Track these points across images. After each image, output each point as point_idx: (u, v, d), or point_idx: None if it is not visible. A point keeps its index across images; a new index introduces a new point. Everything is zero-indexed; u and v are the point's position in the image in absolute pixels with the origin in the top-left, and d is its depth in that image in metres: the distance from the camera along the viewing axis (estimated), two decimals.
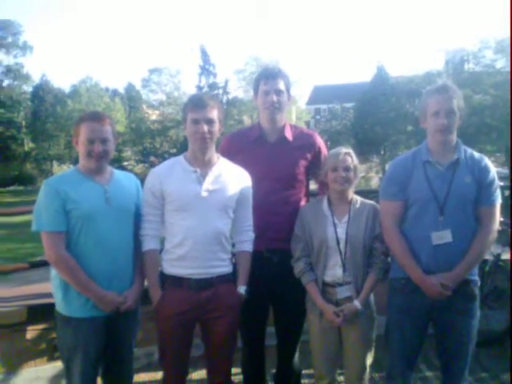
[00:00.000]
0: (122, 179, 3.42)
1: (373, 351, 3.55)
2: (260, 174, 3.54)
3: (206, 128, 3.22)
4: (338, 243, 3.42)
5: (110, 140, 3.24)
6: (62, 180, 3.22)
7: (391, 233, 3.34)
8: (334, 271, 3.44)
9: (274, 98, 3.62)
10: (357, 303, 3.40)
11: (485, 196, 3.25)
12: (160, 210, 3.33)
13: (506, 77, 32.08)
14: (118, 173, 3.45)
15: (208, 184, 3.26)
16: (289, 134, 3.75)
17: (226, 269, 3.36)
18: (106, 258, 3.18)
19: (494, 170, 3.32)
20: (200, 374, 4.48)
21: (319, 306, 3.46)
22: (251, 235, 3.50)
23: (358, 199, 3.56)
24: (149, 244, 3.33)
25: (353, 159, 3.49)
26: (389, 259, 3.50)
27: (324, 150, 3.84)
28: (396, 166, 3.48)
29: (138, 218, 3.37)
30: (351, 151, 3.54)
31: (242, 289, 3.39)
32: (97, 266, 3.15)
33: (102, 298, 3.14)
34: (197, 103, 3.27)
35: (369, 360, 3.53)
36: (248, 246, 3.48)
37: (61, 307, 3.21)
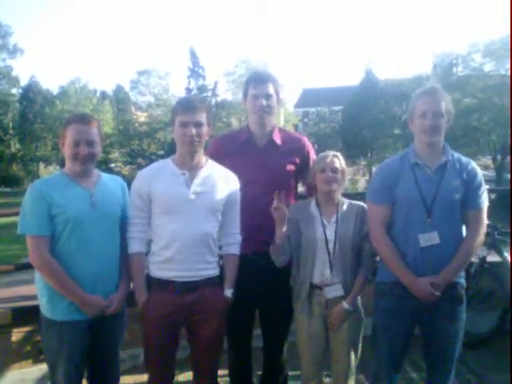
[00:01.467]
0: (108, 182, 3.40)
1: (359, 352, 3.56)
2: (248, 178, 3.54)
3: (194, 131, 3.21)
4: (327, 243, 3.43)
5: (96, 142, 3.23)
6: (47, 184, 3.20)
7: (378, 236, 3.35)
8: (322, 271, 3.44)
9: (264, 102, 3.63)
10: (345, 304, 3.41)
11: (472, 199, 3.27)
12: (147, 212, 3.32)
13: (494, 80, 32.31)
14: (104, 176, 3.43)
15: (196, 186, 3.26)
16: (278, 138, 3.75)
17: (213, 271, 3.35)
18: (92, 262, 3.16)
19: (481, 174, 3.35)
20: (186, 375, 4.46)
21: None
22: (238, 238, 3.49)
23: (345, 201, 3.57)
24: (135, 246, 3.32)
25: (340, 162, 3.52)
26: (377, 259, 3.52)
27: (312, 154, 3.86)
28: (384, 170, 3.50)
29: (124, 221, 3.36)
30: (339, 154, 3.57)
31: (228, 292, 3.39)
32: (82, 269, 3.14)
33: (86, 302, 3.13)
34: (186, 106, 3.26)
35: (355, 361, 3.54)
36: (235, 249, 3.48)
37: (45, 310, 3.20)
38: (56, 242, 3.12)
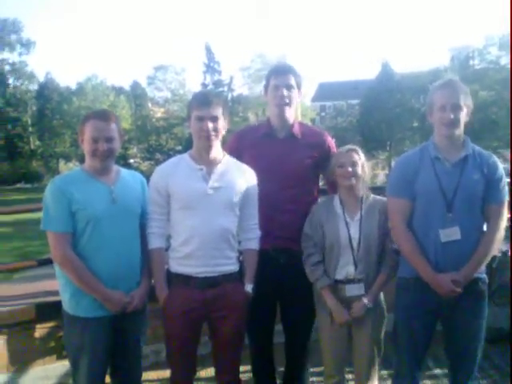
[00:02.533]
0: (128, 178, 3.41)
1: (382, 349, 3.55)
2: (267, 171, 3.52)
3: (210, 125, 3.20)
4: (351, 241, 3.42)
5: (115, 138, 3.23)
6: (67, 180, 3.21)
7: (399, 231, 3.33)
8: (346, 269, 3.43)
9: (285, 92, 3.60)
10: (366, 301, 3.40)
11: (493, 194, 3.24)
12: (165, 207, 3.33)
13: (510, 73, 32.02)
14: (123, 172, 3.43)
15: (213, 182, 3.25)
16: (297, 131, 3.72)
17: (233, 267, 3.35)
18: (112, 259, 3.17)
19: (501, 168, 3.31)
20: (208, 372, 4.47)
21: (331, 308, 3.45)
22: (257, 233, 3.48)
23: (370, 196, 3.55)
24: (155, 242, 3.33)
25: (359, 155, 3.48)
26: (396, 258, 3.49)
27: (334, 149, 3.81)
28: (403, 163, 3.47)
29: (144, 216, 3.38)
30: (358, 148, 3.54)
31: (249, 287, 3.38)
32: (103, 266, 3.15)
33: (109, 298, 3.14)
34: (201, 100, 3.25)
35: (378, 358, 3.53)
36: (254, 244, 3.47)
37: (68, 307, 3.22)
38: (78, 239, 3.13)
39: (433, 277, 3.19)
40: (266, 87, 3.75)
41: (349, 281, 3.43)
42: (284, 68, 3.74)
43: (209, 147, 3.27)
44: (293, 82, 3.64)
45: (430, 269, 3.20)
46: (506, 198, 3.28)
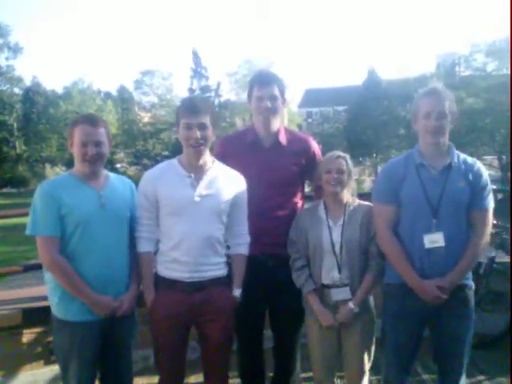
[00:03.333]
0: (117, 183, 3.41)
1: (372, 355, 3.56)
2: (254, 179, 3.53)
3: (198, 133, 3.20)
4: (333, 246, 3.43)
5: (103, 143, 3.23)
6: (56, 184, 3.21)
7: (385, 237, 3.34)
8: (331, 274, 3.44)
9: (268, 104, 3.60)
10: (352, 305, 3.41)
11: (478, 200, 3.26)
12: (154, 212, 3.33)
13: (497, 80, 32.23)
14: (112, 176, 3.43)
15: (201, 189, 3.26)
16: (283, 139, 3.73)
17: (220, 272, 3.36)
18: (101, 263, 3.17)
19: (486, 174, 3.34)
20: (197, 377, 4.45)
21: (317, 312, 3.47)
22: (247, 238, 3.49)
23: (354, 201, 3.56)
24: (143, 246, 3.34)
25: (347, 163, 3.50)
26: (384, 260, 3.51)
27: (319, 154, 3.84)
28: (388, 170, 3.49)
29: (133, 220, 3.38)
30: (346, 155, 3.55)
31: (237, 292, 3.40)
32: (92, 271, 3.15)
33: (97, 302, 3.14)
34: (189, 108, 3.25)
35: (368, 363, 3.54)
36: (244, 249, 3.48)
37: (56, 311, 3.21)
38: (66, 242, 3.14)
39: (418, 283, 3.21)
40: (250, 96, 3.74)
41: (335, 285, 3.45)
42: (267, 78, 3.71)
43: (197, 155, 3.27)
44: (276, 92, 3.63)
45: (415, 275, 3.22)
46: (491, 205, 3.31)
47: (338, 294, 3.44)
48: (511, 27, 8.78)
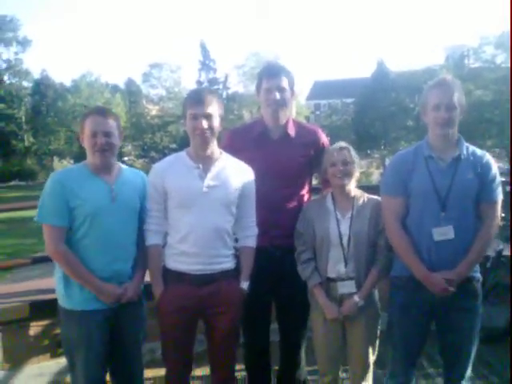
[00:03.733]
0: (130, 176, 3.42)
1: (376, 348, 3.56)
2: (263, 171, 3.52)
3: (205, 123, 3.20)
4: (341, 239, 3.42)
5: (113, 134, 3.24)
6: (68, 175, 3.23)
7: (393, 230, 3.33)
8: (337, 267, 3.44)
9: (277, 95, 3.58)
10: (357, 298, 3.41)
11: (486, 192, 3.24)
12: (162, 204, 3.34)
13: (506, 72, 32.06)
14: (125, 169, 3.44)
15: (209, 180, 3.26)
16: (292, 131, 3.72)
17: (229, 264, 3.36)
18: (108, 255, 3.20)
19: (495, 167, 3.31)
20: (204, 370, 4.46)
21: (322, 305, 3.47)
22: (255, 230, 3.49)
23: (362, 195, 3.55)
24: (152, 239, 3.34)
25: (351, 153, 3.48)
26: (392, 254, 3.50)
27: (328, 146, 3.81)
28: (397, 162, 3.48)
29: (143, 212, 3.39)
30: (349, 146, 3.53)
31: (244, 284, 3.40)
32: (98, 262, 3.18)
33: (102, 290, 3.17)
34: (195, 98, 3.25)
35: (373, 357, 3.54)
36: (252, 242, 3.48)
37: (63, 301, 3.24)
38: (74, 233, 3.16)
39: (425, 275, 3.20)
40: (259, 88, 3.72)
41: (340, 278, 3.44)
42: (276, 69, 3.70)
43: (204, 145, 3.26)
44: (285, 83, 3.62)
45: (422, 267, 3.21)
46: (500, 197, 3.29)
47: (344, 288, 3.43)
48: (511, 24, 8.74)
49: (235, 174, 3.36)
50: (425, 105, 3.31)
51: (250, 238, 3.49)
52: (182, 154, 3.39)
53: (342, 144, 3.52)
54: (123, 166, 3.45)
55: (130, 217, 3.32)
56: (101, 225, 3.16)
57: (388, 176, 3.50)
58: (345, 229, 3.44)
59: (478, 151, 3.34)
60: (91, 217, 3.13)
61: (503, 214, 5.43)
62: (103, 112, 3.26)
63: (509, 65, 34.41)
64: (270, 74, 3.66)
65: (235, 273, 3.42)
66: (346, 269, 3.43)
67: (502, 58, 36.12)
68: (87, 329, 3.17)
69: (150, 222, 3.36)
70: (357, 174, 3.56)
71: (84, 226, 3.15)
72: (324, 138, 3.86)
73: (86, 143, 3.22)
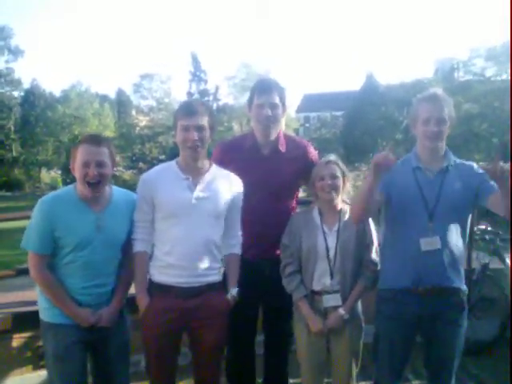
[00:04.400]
0: (120, 202, 3.34)
1: (360, 361, 3.55)
2: (252, 186, 3.52)
3: (196, 135, 3.19)
4: (328, 252, 3.42)
5: (106, 163, 3.16)
6: (56, 202, 3.18)
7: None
8: (323, 280, 3.44)
9: (269, 112, 3.59)
10: (342, 311, 3.41)
11: (486, 187, 3.20)
12: (150, 214, 3.32)
13: (496, 85, 32.25)
14: (116, 193, 3.36)
15: (199, 191, 3.25)
16: (282, 146, 3.74)
17: (216, 277, 3.35)
18: (89, 282, 3.20)
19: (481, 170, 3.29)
20: (187, 383, 4.43)
21: (307, 318, 3.47)
22: (239, 238, 3.50)
23: (348, 208, 3.54)
24: (139, 246, 3.32)
25: (340, 168, 3.49)
26: (378, 268, 3.50)
27: (316, 160, 3.83)
28: None
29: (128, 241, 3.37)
30: (338, 159, 3.53)
31: (233, 291, 3.39)
32: (79, 286, 3.19)
33: (76, 315, 3.16)
34: (187, 110, 3.25)
35: (355, 369, 3.54)
36: (237, 249, 3.49)
37: (44, 314, 3.24)
38: (60, 259, 3.17)
39: None
40: (250, 104, 3.72)
41: (326, 292, 3.44)
42: (268, 86, 3.70)
43: (195, 157, 3.26)
44: (277, 100, 3.63)
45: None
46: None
47: (329, 301, 3.43)
48: (511, 33, 8.75)
49: (225, 185, 3.36)
50: (415, 118, 3.31)
51: (236, 246, 3.49)
52: (172, 164, 3.38)
53: (331, 158, 3.52)
54: (115, 189, 3.38)
55: (114, 249, 3.29)
56: (83, 256, 3.16)
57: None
58: (331, 242, 3.45)
59: (466, 162, 3.37)
60: (75, 247, 3.13)
61: (489, 228, 5.48)
62: (97, 140, 3.18)
63: (499, 78, 34.72)
64: (262, 90, 3.66)
65: (222, 285, 3.40)
66: (332, 281, 3.43)
67: (492, 71, 36.37)
68: (64, 342, 3.16)
69: (137, 231, 3.33)
70: (347, 187, 3.56)
71: (69, 255, 3.15)
72: (313, 152, 3.88)
73: (77, 173, 3.14)
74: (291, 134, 4.25)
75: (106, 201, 3.28)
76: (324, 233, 3.47)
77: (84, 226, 3.16)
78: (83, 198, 3.19)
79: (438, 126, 3.20)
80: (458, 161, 3.36)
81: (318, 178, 3.46)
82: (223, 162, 3.59)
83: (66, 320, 3.17)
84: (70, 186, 3.31)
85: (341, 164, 3.51)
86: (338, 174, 3.46)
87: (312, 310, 3.46)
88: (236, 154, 3.72)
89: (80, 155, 3.12)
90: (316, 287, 3.46)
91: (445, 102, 3.24)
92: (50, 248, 3.14)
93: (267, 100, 3.60)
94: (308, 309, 3.47)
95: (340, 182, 3.46)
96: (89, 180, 3.10)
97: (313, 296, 3.47)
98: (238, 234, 3.50)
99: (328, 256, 3.43)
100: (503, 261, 5.37)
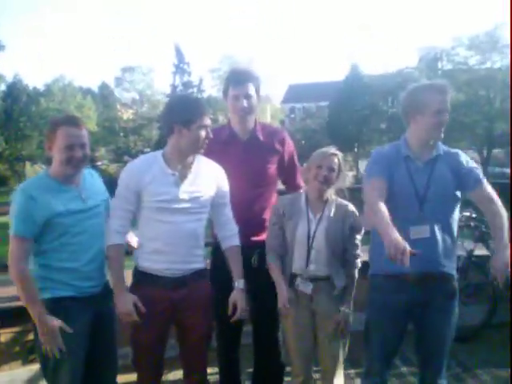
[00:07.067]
0: (87, 175, 3.36)
1: (347, 347, 3.57)
2: (232, 173, 3.53)
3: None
4: (309, 239, 3.44)
5: (87, 144, 3.18)
6: (37, 187, 3.13)
7: (375, 203, 3.13)
8: (302, 264, 3.45)
9: (245, 103, 3.64)
10: (345, 309, 3.46)
11: (470, 178, 3.25)
12: (133, 205, 3.26)
13: (478, 74, 32.47)
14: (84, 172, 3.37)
15: (186, 186, 3.24)
16: (260, 134, 3.78)
17: (201, 265, 3.38)
18: (80, 258, 3.15)
19: (469, 158, 3.37)
20: (175, 374, 4.45)
21: (276, 284, 3.48)
22: (235, 229, 3.49)
23: (335, 199, 3.55)
24: (116, 238, 3.22)
25: (339, 161, 3.48)
26: (358, 261, 3.53)
27: (292, 148, 3.92)
28: (381, 153, 3.46)
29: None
30: (339, 153, 3.52)
31: (240, 283, 3.38)
32: (70, 265, 3.12)
33: (42, 322, 3.01)
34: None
35: (342, 355, 3.55)
36: (235, 240, 3.48)
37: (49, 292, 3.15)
38: (51, 244, 3.10)
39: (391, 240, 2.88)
40: (225, 94, 3.76)
41: (301, 276, 3.46)
42: (242, 77, 3.73)
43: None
44: (251, 90, 3.68)
45: (392, 231, 2.93)
46: (483, 177, 3.28)
47: (300, 285, 3.46)
48: (511, 26, 8.79)
49: (210, 178, 3.37)
50: (421, 106, 3.27)
51: (233, 237, 3.48)
52: (158, 156, 3.32)
53: (334, 150, 3.49)
54: None
55: (101, 216, 3.28)
56: (79, 233, 3.13)
57: (372, 162, 3.40)
58: (314, 229, 3.45)
59: (452, 150, 3.40)
60: (69, 225, 3.09)
61: (473, 215, 5.52)
62: (77, 122, 3.16)
63: (482, 66, 34.92)
64: (237, 81, 3.69)
65: (207, 272, 3.43)
66: (309, 267, 3.44)
67: (474, 60, 36.60)
68: (67, 316, 3.05)
69: (114, 222, 3.25)
70: (340, 182, 3.55)
71: (64, 235, 3.09)
72: (289, 140, 3.94)
73: (60, 155, 3.09)
74: (266, 123, 4.24)
75: (81, 175, 3.28)
76: (308, 219, 3.48)
77: (71, 201, 3.14)
78: (62, 180, 3.17)
79: (446, 117, 3.26)
80: (446, 148, 3.39)
81: (315, 165, 3.45)
82: (203, 153, 3.59)
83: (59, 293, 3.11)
84: (40, 174, 3.29)
85: (340, 159, 3.51)
86: (336, 167, 3.45)
87: (296, 293, 3.47)
88: (214, 144, 3.68)
89: (62, 137, 3.08)
90: (296, 271, 3.47)
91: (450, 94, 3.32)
92: (32, 232, 3.03)
93: (242, 92, 3.64)
94: (278, 273, 3.49)
95: (334, 175, 3.46)
96: (74, 162, 3.10)
97: (295, 280, 3.48)
98: (232, 222, 3.50)
99: (308, 242, 3.44)
100: (488, 247, 5.41)
